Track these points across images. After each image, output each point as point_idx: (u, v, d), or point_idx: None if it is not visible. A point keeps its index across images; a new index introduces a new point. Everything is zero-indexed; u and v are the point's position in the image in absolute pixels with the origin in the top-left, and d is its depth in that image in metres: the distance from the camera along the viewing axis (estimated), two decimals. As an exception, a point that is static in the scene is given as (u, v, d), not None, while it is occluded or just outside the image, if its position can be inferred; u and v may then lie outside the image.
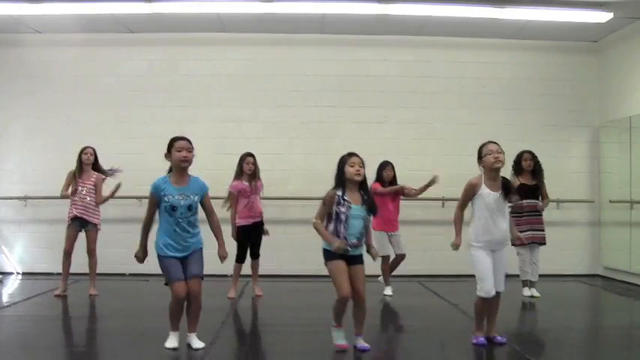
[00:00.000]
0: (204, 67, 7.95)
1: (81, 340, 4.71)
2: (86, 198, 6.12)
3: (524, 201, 6.11)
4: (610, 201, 7.72)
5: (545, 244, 6.25)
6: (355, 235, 3.99)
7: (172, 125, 7.69)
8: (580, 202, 8.02)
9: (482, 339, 4.23)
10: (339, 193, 3.99)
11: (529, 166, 6.15)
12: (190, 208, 3.97)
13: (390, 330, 5.22)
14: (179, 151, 3.94)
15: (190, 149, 3.99)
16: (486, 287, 4.14)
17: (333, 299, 4.05)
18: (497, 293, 4.25)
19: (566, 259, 7.90)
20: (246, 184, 6.00)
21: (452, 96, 8.00)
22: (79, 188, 6.09)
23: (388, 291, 6.31)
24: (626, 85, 7.53)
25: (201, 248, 4.10)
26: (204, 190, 4.07)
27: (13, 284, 7.12)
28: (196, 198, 4.00)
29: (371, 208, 4.06)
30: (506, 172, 6.11)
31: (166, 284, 4.01)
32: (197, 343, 4.08)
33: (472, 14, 6.96)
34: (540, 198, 6.21)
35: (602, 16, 6.92)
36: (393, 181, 6.30)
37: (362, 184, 4.06)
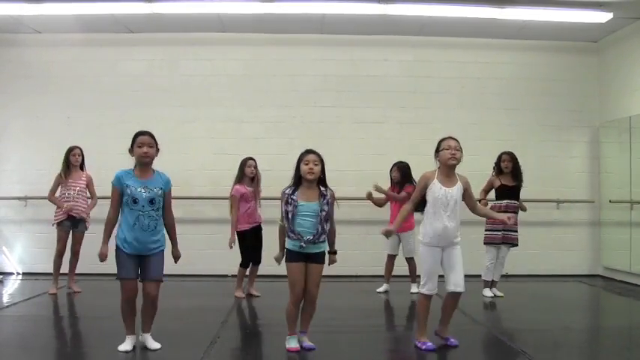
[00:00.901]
0: (204, 67, 7.95)
1: (80, 340, 4.71)
2: (79, 199, 6.14)
3: (503, 201, 6.16)
4: (610, 201, 7.72)
5: (517, 245, 6.25)
6: (310, 231, 3.95)
7: (172, 125, 7.72)
8: (580, 202, 8.02)
9: (430, 344, 4.12)
10: (289, 191, 4.01)
11: (506, 167, 6.18)
12: (152, 201, 3.88)
13: (390, 330, 5.21)
14: (140, 147, 3.89)
15: (152, 145, 3.93)
16: (430, 285, 4.10)
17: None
18: (458, 293, 4.17)
19: (566, 259, 7.90)
20: (248, 188, 6.03)
21: (452, 96, 8.00)
22: (71, 190, 6.13)
23: (383, 288, 6.38)
24: (626, 85, 7.53)
25: (162, 250, 4.00)
26: (168, 185, 4.02)
27: (13, 284, 7.12)
28: (160, 192, 3.93)
29: (328, 204, 4.01)
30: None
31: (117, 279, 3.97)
32: (153, 344, 4.04)
33: (472, 14, 6.96)
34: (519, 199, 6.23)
35: (602, 16, 6.92)
36: (404, 180, 6.30)
37: (322, 181, 4.05)
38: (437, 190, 4.10)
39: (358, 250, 7.49)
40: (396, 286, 6.49)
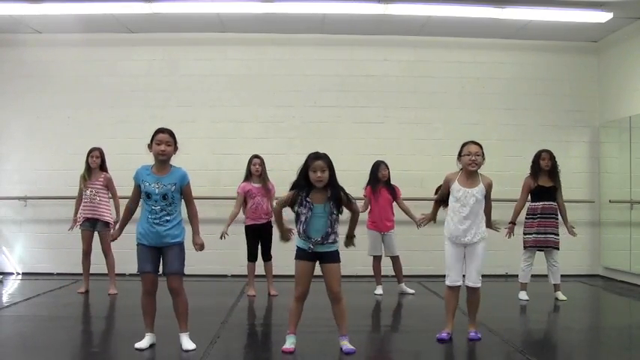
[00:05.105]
0: (204, 67, 7.95)
1: (81, 340, 4.70)
2: (95, 198, 6.15)
3: (539, 203, 6.03)
4: (610, 201, 7.72)
5: (558, 248, 6.13)
6: (320, 232, 3.95)
7: (172, 125, 7.51)
8: (580, 202, 8.01)
9: (444, 334, 4.34)
10: (303, 193, 3.96)
11: (547, 165, 6.00)
12: (165, 197, 3.97)
13: (390, 330, 5.21)
14: (158, 145, 4.03)
15: (170, 143, 4.05)
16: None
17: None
18: (471, 288, 4.43)
19: (566, 259, 7.82)
20: (254, 185, 6.13)
21: (452, 96, 8.00)
22: (88, 191, 6.14)
23: (379, 290, 6.36)
24: (626, 85, 7.53)
25: (180, 242, 4.03)
26: (184, 180, 4.07)
27: (13, 284, 7.12)
28: (173, 187, 4.00)
29: (338, 205, 4.00)
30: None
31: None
32: (188, 344, 4.03)
33: (472, 14, 6.96)
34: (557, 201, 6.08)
35: (602, 16, 6.92)
36: (389, 180, 6.39)
37: (328, 184, 3.99)
38: (456, 191, 4.29)
39: (358, 250, 7.47)
40: (394, 286, 6.48)
